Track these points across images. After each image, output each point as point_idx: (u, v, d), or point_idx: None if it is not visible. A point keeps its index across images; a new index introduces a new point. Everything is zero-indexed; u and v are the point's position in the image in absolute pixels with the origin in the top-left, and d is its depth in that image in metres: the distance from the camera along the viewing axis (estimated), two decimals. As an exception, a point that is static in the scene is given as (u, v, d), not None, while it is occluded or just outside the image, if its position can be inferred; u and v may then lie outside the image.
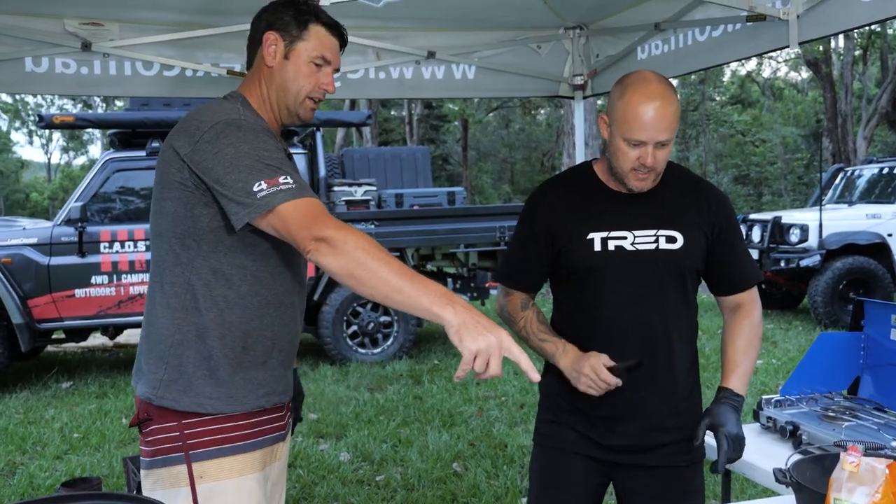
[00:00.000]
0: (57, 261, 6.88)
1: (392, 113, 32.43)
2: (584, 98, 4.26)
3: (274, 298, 1.85)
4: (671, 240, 2.04)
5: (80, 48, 3.65)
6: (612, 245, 2.04)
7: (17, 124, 41.26)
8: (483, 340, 1.42)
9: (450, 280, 8.19)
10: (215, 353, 1.81)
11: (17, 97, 35.95)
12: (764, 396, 2.57)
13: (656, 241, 2.04)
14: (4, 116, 39.21)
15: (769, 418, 2.44)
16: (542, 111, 34.99)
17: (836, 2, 2.67)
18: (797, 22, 2.79)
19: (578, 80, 4.17)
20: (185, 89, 3.88)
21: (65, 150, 45.01)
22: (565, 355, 2.06)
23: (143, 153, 7.06)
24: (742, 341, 2.11)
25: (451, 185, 28.00)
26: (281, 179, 1.67)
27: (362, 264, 1.54)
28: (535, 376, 1.45)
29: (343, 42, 1.93)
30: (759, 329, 2.15)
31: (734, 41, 3.15)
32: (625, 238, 2.04)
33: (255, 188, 1.65)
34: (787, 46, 2.84)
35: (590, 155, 12.09)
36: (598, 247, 2.04)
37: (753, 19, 2.95)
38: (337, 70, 1.92)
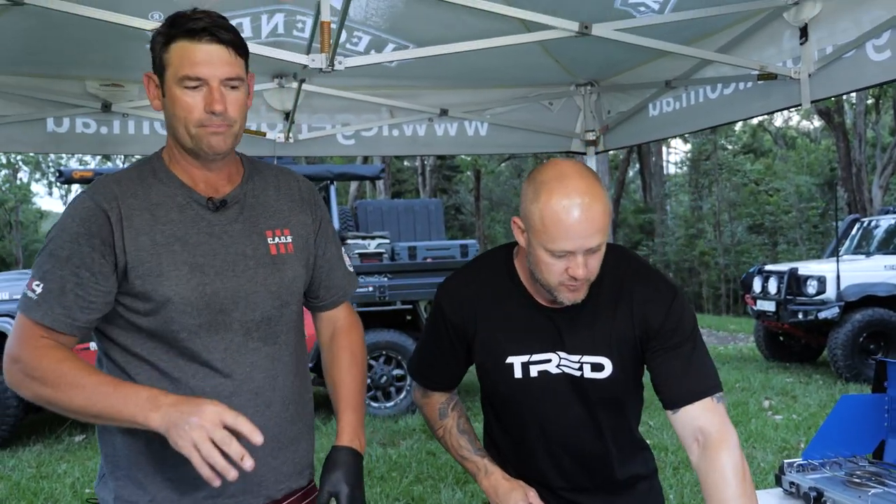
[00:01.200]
0: (73, 314, 6.89)
1: (405, 163, 32.72)
2: (597, 153, 4.28)
3: (186, 387, 1.55)
4: (597, 368, 1.76)
5: (101, 109, 3.73)
6: (534, 371, 1.77)
7: (38, 176, 41.91)
8: (190, 430, 1.31)
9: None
10: (124, 451, 1.60)
11: (38, 150, 36.55)
12: (786, 460, 2.51)
13: (580, 369, 1.76)
14: (25, 168, 39.84)
15: (792, 483, 2.38)
16: (555, 161, 35.16)
17: (847, 62, 2.69)
18: (809, 81, 2.80)
19: (591, 136, 4.20)
20: (202, 148, 3.94)
21: (83, 201, 45.61)
22: (487, 477, 1.88)
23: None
24: (730, 492, 1.63)
25: (464, 234, 28.11)
26: (34, 284, 1.53)
27: (52, 390, 1.44)
28: (257, 438, 1.34)
29: (227, 41, 1.53)
30: (747, 471, 1.67)
31: (746, 99, 3.17)
32: (549, 361, 1.77)
33: (26, 284, 1.56)
34: (800, 105, 2.85)
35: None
36: (518, 373, 1.77)
37: (765, 78, 2.97)
38: (234, 80, 1.55)
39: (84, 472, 5.97)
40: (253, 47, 2.81)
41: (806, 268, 9.90)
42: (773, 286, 9.85)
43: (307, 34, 3.31)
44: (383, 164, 12.27)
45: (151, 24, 2.89)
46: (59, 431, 7.27)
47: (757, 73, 2.98)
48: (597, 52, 3.69)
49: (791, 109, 3.07)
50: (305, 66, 2.70)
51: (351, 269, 1.93)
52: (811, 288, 9.45)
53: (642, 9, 2.96)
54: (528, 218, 1.64)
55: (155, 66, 1.59)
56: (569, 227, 1.57)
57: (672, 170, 37.33)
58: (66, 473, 5.95)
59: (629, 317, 1.76)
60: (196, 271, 1.57)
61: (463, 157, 29.09)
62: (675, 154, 37.59)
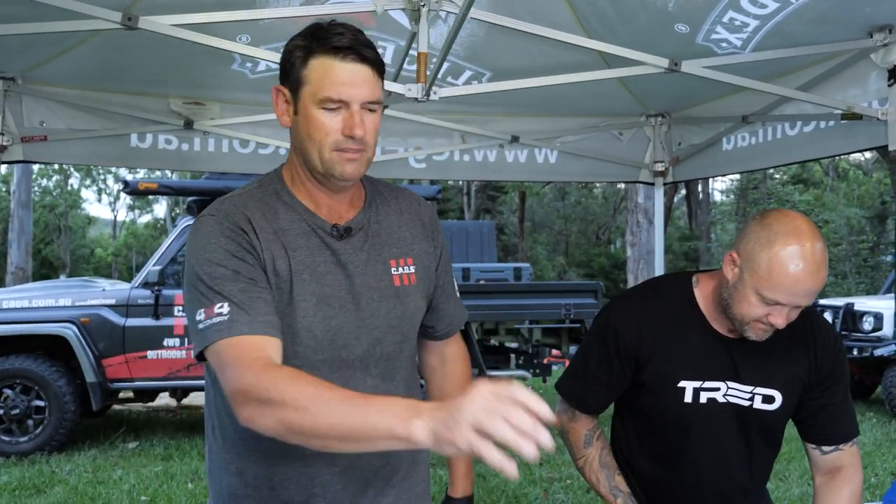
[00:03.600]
0: (132, 322, 7.06)
1: (449, 182, 32.84)
2: (665, 185, 4.28)
3: None
4: (768, 400, 1.84)
5: (183, 126, 3.84)
6: (703, 397, 1.83)
7: (88, 182, 42.93)
8: (470, 417, 1.03)
9: (512, 356, 8.15)
10: (238, 490, 1.55)
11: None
12: (866, 503, 2.49)
13: (751, 399, 1.84)
14: (76, 174, 40.84)
15: (874, 528, 2.36)
16: (599, 185, 35.06)
17: (939, 104, 2.67)
18: (896, 123, 2.78)
19: (659, 167, 4.20)
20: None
21: (131, 208, 46.58)
22: None
23: (220, 221, 7.29)
24: None
25: (507, 255, 28.09)
26: (216, 308, 1.38)
27: (295, 410, 1.21)
28: (546, 414, 1.03)
29: (370, 60, 1.44)
30: (858, 502, 1.88)
31: (827, 138, 3.16)
32: (718, 389, 1.84)
33: (197, 317, 1.40)
34: (886, 146, 2.83)
35: (654, 236, 11.89)
36: (688, 398, 1.83)
37: (849, 118, 2.95)
38: (374, 103, 1.45)
39: (139, 479, 6.08)
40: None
41: (862, 303, 9.73)
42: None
43: (388, 59, 3.38)
44: (439, 186, 12.35)
45: (241, 46, 2.99)
46: (114, 437, 7.41)
47: (840, 112, 2.96)
48: (671, 85, 3.70)
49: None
50: (392, 94, 2.77)
51: (458, 297, 1.82)
52: (867, 324, 9.30)
53: (724, 45, 2.97)
54: (752, 259, 1.68)
55: (288, 79, 1.48)
56: (792, 286, 1.63)
57: (718, 197, 36.92)
58: (122, 479, 6.06)
59: (804, 358, 1.86)
60: (323, 303, 1.48)
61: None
62: (723, 182, 37.17)
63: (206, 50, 2.80)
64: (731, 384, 1.84)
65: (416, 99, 2.56)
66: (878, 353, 8.94)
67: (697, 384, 1.83)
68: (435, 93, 2.55)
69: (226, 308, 1.38)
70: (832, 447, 1.90)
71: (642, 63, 2.72)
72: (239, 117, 3.89)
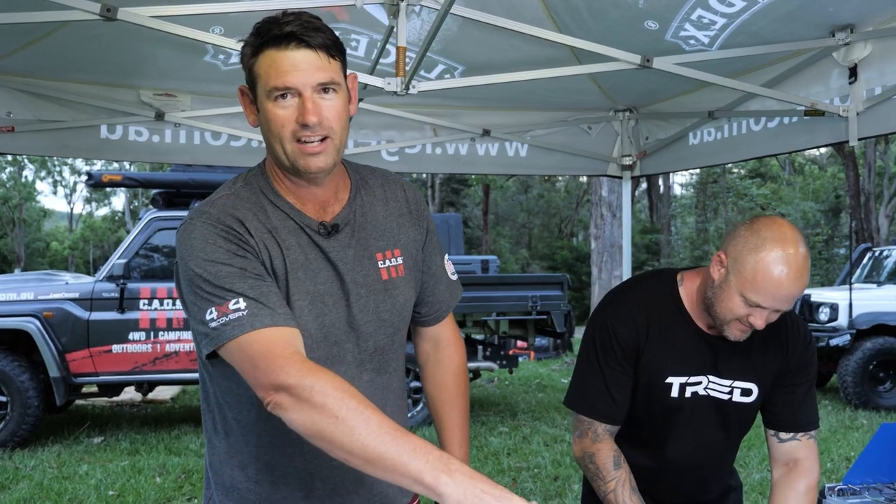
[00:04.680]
0: (97, 316, 6.97)
1: (413, 175, 32.81)
2: (632, 178, 4.36)
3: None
4: (746, 393, 1.94)
5: (154, 118, 3.82)
6: (689, 391, 1.92)
7: (43, 174, 41.99)
8: None
9: (479, 347, 8.22)
10: (240, 484, 1.56)
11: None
12: (827, 484, 2.59)
13: (730, 392, 1.93)
14: (31, 166, 39.94)
15: (835, 508, 2.46)
16: (561, 178, 35.31)
17: (896, 102, 2.77)
18: (857, 119, 2.89)
19: (627, 161, 4.29)
20: (250, 159, 4.02)
21: (88, 200, 45.66)
22: None
23: (185, 213, 7.22)
24: None
25: (470, 248, 28.16)
26: (231, 305, 1.36)
27: (334, 420, 1.22)
28: None
29: (317, 45, 1.40)
30: (814, 497, 1.95)
31: (790, 133, 3.26)
32: (700, 383, 1.92)
33: (208, 317, 1.37)
34: (847, 141, 2.94)
35: (617, 229, 12.04)
36: (675, 392, 1.91)
37: (812, 114, 3.05)
38: (328, 84, 1.42)
39: (106, 473, 6.02)
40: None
41: (819, 295, 9.98)
42: (784, 312, 9.90)
43: (360, 52, 3.40)
44: (406, 179, 12.36)
45: (216, 37, 2.98)
46: (78, 432, 7.32)
47: (804, 108, 3.06)
48: (639, 80, 3.77)
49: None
50: (368, 87, 2.80)
51: (454, 278, 1.78)
52: (823, 315, 9.55)
53: (692, 42, 3.05)
54: (738, 262, 1.75)
55: (247, 79, 1.48)
56: (775, 290, 1.70)
57: (678, 191, 37.43)
58: (88, 475, 5.99)
59: (777, 352, 1.95)
60: (317, 301, 1.48)
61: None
62: (683, 176, 37.69)
63: (177, 41, 2.78)
64: (711, 378, 1.92)
65: (395, 93, 2.58)
66: (833, 342, 9.20)
67: (683, 379, 1.91)
68: (414, 87, 2.57)
69: (242, 303, 1.36)
70: (789, 435, 1.98)
71: (615, 59, 2.78)
72: (211, 109, 3.87)
